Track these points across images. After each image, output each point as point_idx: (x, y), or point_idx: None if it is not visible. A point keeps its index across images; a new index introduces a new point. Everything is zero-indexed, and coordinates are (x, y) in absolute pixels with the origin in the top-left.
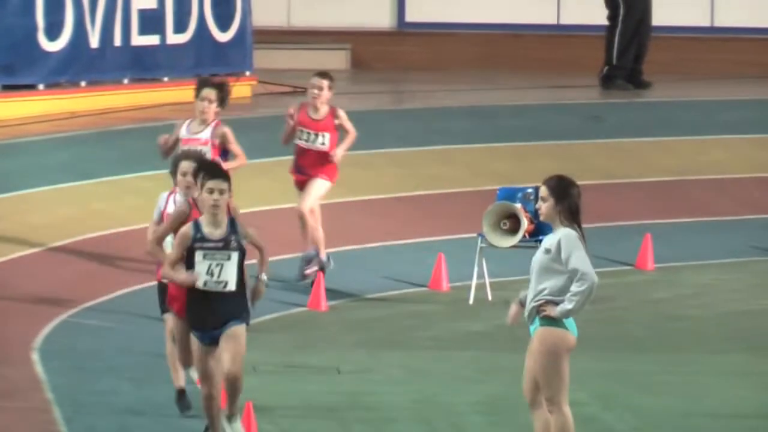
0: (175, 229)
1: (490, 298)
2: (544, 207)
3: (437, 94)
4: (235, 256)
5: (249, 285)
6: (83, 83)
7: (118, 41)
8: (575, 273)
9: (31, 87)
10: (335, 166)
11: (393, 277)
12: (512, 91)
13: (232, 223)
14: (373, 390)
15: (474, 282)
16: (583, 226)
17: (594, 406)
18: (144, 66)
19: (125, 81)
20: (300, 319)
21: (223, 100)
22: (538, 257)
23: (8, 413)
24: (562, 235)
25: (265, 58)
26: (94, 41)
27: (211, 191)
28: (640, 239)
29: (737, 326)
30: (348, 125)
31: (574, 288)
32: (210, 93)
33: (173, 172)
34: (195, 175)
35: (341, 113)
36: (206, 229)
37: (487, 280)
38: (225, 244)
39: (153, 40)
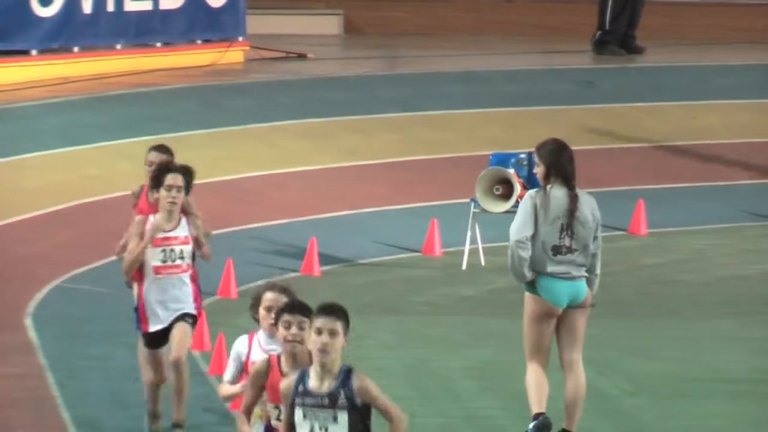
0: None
1: (483, 263)
2: (538, 172)
3: (430, 59)
4: (343, 417)
5: None
6: (76, 49)
7: (111, 7)
8: None
9: (24, 52)
10: None
11: (386, 242)
12: (505, 56)
13: (347, 373)
14: (366, 355)
15: (467, 247)
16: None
17: (588, 371)
18: (137, 31)
19: (118, 46)
20: (293, 285)
21: (189, 185)
22: None
23: (2, 378)
24: None
25: (257, 23)
26: (87, 7)
27: (319, 332)
28: (633, 204)
29: (729, 291)
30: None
31: None
32: (177, 179)
33: (253, 307)
34: (283, 311)
35: None
36: (312, 382)
37: (480, 246)
38: (331, 401)
39: (146, 5)
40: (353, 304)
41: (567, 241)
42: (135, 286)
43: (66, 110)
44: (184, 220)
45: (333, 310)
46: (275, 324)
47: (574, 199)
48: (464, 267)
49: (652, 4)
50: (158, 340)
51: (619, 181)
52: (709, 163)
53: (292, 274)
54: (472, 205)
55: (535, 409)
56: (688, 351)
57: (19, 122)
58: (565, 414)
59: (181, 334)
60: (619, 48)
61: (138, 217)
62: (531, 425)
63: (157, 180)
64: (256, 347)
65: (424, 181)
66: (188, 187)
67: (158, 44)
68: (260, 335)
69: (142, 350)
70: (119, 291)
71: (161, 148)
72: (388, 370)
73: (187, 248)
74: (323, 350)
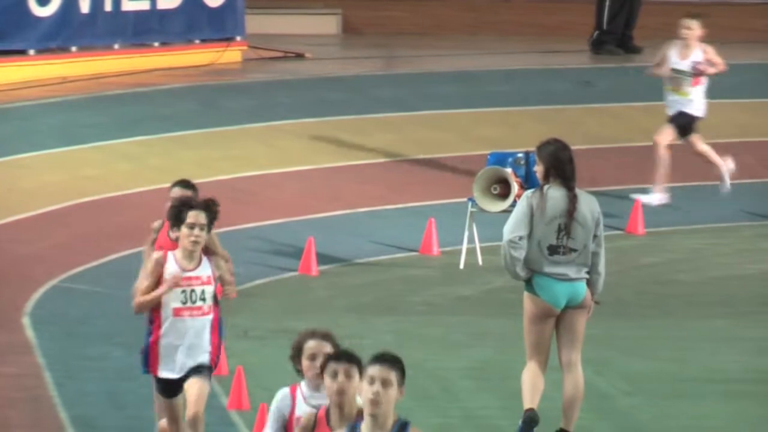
0: None
1: (480, 262)
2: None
3: (427, 59)
4: None
5: None
6: (74, 48)
7: (108, 6)
8: None
9: (22, 52)
10: None
11: (384, 242)
12: (502, 56)
13: (402, 428)
14: (363, 355)
15: (465, 247)
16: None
17: (585, 371)
18: (135, 31)
19: (116, 46)
20: (291, 284)
21: (212, 221)
22: None
23: (0, 378)
24: None
25: (255, 23)
26: (85, 6)
27: (371, 381)
28: (630, 204)
29: (727, 291)
30: None
31: None
32: (199, 216)
33: (295, 357)
34: (330, 360)
35: None
36: None
37: (478, 245)
38: None
39: (143, 5)
40: (351, 304)
41: (565, 241)
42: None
43: (63, 110)
44: (206, 259)
45: (387, 359)
46: (321, 374)
47: (573, 200)
48: (462, 266)
49: (649, 4)
50: (172, 388)
51: (617, 180)
52: (707, 162)
53: (290, 274)
54: (470, 204)
55: (526, 405)
56: (685, 351)
57: (17, 122)
58: (563, 414)
59: (197, 390)
60: (616, 48)
61: (156, 255)
62: (520, 420)
63: (177, 217)
64: (300, 401)
65: (422, 181)
66: (211, 223)
67: (156, 44)
68: (303, 388)
69: (156, 396)
70: (116, 291)
71: (185, 184)
72: None
73: (210, 289)
74: (375, 401)
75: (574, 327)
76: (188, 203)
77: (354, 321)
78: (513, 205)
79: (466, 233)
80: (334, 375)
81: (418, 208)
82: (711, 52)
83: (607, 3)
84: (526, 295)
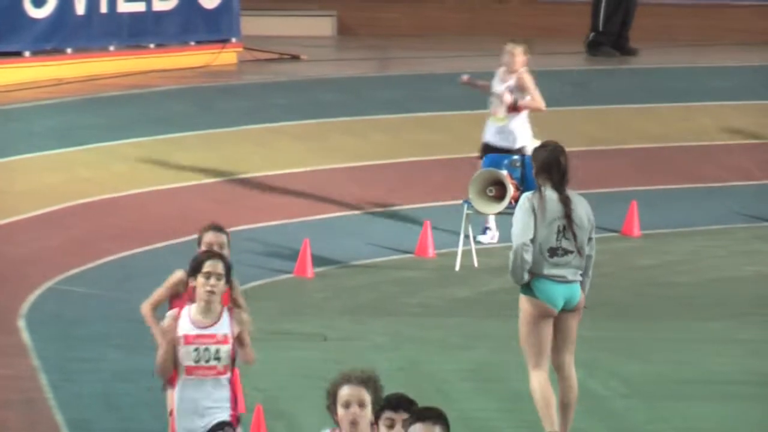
0: None
1: (476, 264)
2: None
3: (423, 60)
4: None
5: None
6: (69, 50)
7: (104, 8)
8: None
9: (17, 54)
10: None
11: (379, 244)
12: (497, 57)
13: None
14: (359, 357)
15: (460, 249)
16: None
17: (580, 372)
18: (130, 33)
19: (111, 48)
20: (286, 286)
21: (229, 273)
22: None
23: None
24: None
25: (251, 24)
26: (80, 8)
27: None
28: (626, 206)
29: (722, 293)
30: None
31: None
32: (217, 266)
33: (331, 407)
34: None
35: None
36: None
37: (473, 247)
38: None
39: (139, 6)
40: (347, 306)
41: (564, 243)
42: (169, 390)
43: (59, 112)
44: (226, 315)
45: (434, 416)
46: (375, 423)
47: (566, 202)
48: (457, 268)
49: (645, 5)
50: None
51: (612, 182)
52: (703, 164)
53: (286, 276)
54: (465, 206)
55: (547, 428)
56: (682, 353)
57: (13, 124)
58: (559, 416)
59: None
60: (612, 49)
61: (169, 314)
62: None
63: (196, 268)
64: None
65: (417, 183)
66: (228, 274)
67: (151, 45)
68: None
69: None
70: (112, 293)
71: (218, 229)
72: (381, 371)
73: (225, 348)
74: None
75: (568, 330)
76: (210, 254)
77: (349, 323)
78: (509, 207)
79: (462, 235)
80: (391, 425)
81: (414, 210)
82: (528, 81)
83: (603, 4)
84: (524, 299)
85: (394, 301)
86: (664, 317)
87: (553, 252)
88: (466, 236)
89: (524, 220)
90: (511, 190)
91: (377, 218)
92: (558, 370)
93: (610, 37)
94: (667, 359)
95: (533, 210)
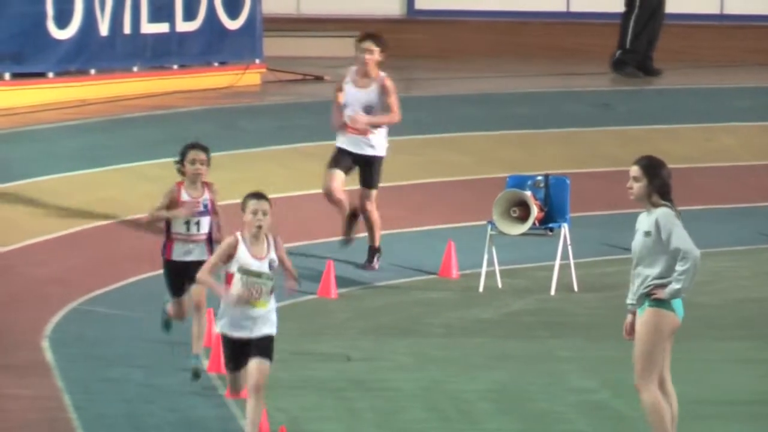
0: None
1: (500, 285)
2: (636, 187)
3: (446, 81)
4: None
5: None
6: (93, 71)
7: (127, 29)
8: (677, 252)
9: (41, 75)
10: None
11: (403, 264)
12: (521, 78)
13: None
14: (382, 377)
15: (484, 270)
16: (595, 213)
17: (604, 393)
18: (153, 54)
19: (135, 69)
20: (310, 307)
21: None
22: (640, 241)
23: (19, 400)
24: (658, 214)
25: (274, 45)
26: (104, 29)
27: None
28: None
29: (746, 314)
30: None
31: (679, 267)
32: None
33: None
34: None
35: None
36: None
37: (497, 268)
38: None
39: (162, 27)
40: (370, 326)
41: None
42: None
43: (83, 133)
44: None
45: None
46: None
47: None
48: (481, 289)
49: (670, 26)
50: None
51: (636, 203)
52: (727, 185)
53: (309, 297)
54: (489, 227)
55: None
56: (703, 373)
57: (36, 145)
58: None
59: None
60: (636, 70)
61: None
62: None
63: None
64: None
65: (441, 204)
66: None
67: (175, 66)
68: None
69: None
70: (136, 313)
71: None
72: (404, 391)
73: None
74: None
75: (670, 344)
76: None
77: (373, 343)
78: (532, 228)
79: (486, 256)
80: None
81: (438, 230)
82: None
83: (632, 22)
84: (657, 312)
85: (418, 322)
86: (687, 338)
87: None
88: (490, 257)
89: (685, 233)
90: (534, 211)
91: (401, 239)
92: (662, 384)
93: (637, 56)
94: (687, 379)
95: None
